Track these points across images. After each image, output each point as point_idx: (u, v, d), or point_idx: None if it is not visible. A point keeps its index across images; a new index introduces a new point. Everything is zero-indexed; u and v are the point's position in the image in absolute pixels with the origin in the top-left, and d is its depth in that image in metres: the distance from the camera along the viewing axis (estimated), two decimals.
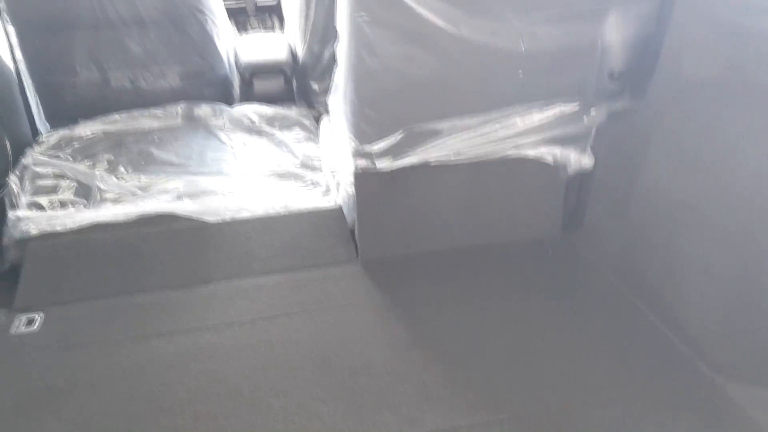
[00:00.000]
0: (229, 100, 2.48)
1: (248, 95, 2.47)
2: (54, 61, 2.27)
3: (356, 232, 1.64)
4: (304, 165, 2.06)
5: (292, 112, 2.38)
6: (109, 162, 2.05)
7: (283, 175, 2.00)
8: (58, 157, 2.09)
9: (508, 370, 1.30)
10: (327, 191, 1.92)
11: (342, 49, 1.43)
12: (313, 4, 2.34)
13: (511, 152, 1.56)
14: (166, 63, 2.34)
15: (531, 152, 1.58)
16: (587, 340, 1.38)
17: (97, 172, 1.96)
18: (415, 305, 1.50)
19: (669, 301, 1.40)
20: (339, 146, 1.71)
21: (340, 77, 1.47)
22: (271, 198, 1.86)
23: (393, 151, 1.51)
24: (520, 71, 1.39)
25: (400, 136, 1.49)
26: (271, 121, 2.32)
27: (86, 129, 2.24)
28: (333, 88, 1.62)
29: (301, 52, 2.48)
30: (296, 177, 1.99)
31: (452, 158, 1.53)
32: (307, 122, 2.33)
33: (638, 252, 1.52)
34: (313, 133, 2.28)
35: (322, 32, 2.39)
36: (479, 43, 1.36)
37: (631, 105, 1.51)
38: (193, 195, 1.87)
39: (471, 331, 1.42)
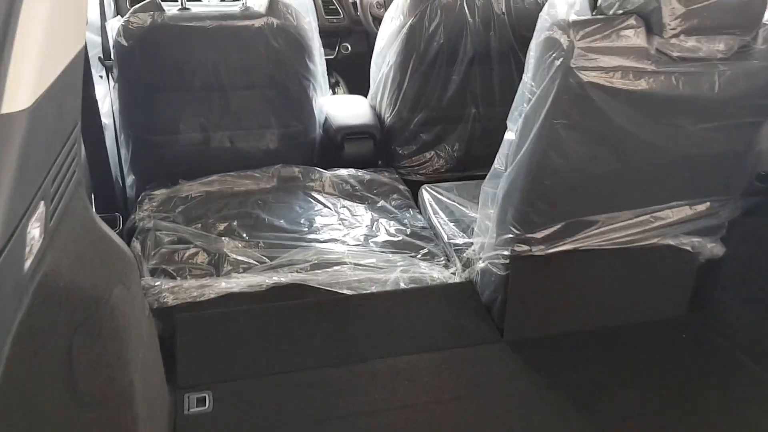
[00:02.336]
0: (315, 163, 2.52)
1: (337, 158, 2.52)
2: (157, 119, 2.29)
3: (504, 311, 1.69)
4: (415, 234, 2.11)
5: (384, 177, 2.44)
6: (226, 227, 2.07)
7: (399, 245, 2.05)
8: (168, 218, 2.10)
9: None
10: (447, 263, 1.97)
11: (520, 145, 1.50)
12: (407, 76, 2.42)
13: (655, 241, 1.65)
14: (266, 125, 2.38)
15: (672, 241, 1.67)
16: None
17: (224, 239, 1.97)
18: (569, 388, 1.55)
19: None
20: (479, 226, 1.77)
21: (511, 169, 1.54)
22: (396, 269, 1.91)
23: (551, 238, 1.58)
24: None
25: (561, 224, 1.56)
26: (369, 186, 2.37)
27: (188, 189, 2.25)
28: (491, 174, 1.69)
29: (388, 117, 2.55)
30: (412, 247, 2.04)
31: (605, 246, 1.61)
32: (401, 187, 2.39)
33: None
34: (409, 200, 2.33)
35: (412, 101, 2.47)
36: (656, 146, 1.45)
37: None
38: (321, 265, 1.90)
39: (631, 415, 1.48)
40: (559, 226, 1.56)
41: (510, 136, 1.56)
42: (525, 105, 1.48)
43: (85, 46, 1.03)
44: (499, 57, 2.46)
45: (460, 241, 1.94)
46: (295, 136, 2.44)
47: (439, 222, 2.09)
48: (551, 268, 1.63)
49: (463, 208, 2.13)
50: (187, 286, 1.79)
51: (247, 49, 2.21)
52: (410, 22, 2.36)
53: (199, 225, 2.08)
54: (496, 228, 1.64)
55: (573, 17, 1.34)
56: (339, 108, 2.60)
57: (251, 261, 1.92)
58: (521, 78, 2.54)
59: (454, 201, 2.19)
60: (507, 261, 1.63)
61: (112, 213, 1.61)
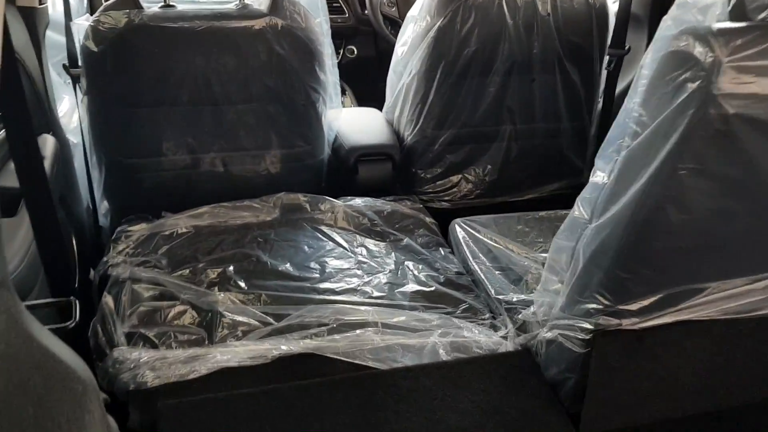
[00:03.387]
0: (323, 189, 2.14)
1: (349, 184, 2.14)
2: (134, 139, 1.90)
3: (579, 396, 1.32)
4: (450, 282, 1.74)
5: (407, 207, 2.06)
6: (220, 274, 1.68)
7: (432, 297, 1.67)
8: (148, 263, 1.71)
9: None
10: (494, 323, 1.59)
11: (617, 192, 1.13)
12: (434, 87, 2.04)
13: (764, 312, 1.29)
14: (266, 145, 1.99)
15: None
16: None
17: (218, 294, 1.58)
18: None
19: None
20: (545, 283, 1.40)
21: (602, 222, 1.17)
22: (433, 332, 1.53)
23: (649, 310, 1.22)
24: None
25: (664, 293, 1.20)
26: (389, 219, 1.99)
27: (173, 224, 1.86)
28: (568, 224, 1.31)
29: (409, 135, 2.17)
30: (448, 300, 1.66)
31: (713, 316, 1.24)
32: (428, 220, 2.01)
33: None
34: (438, 236, 1.96)
35: (439, 116, 2.10)
36: None
37: None
38: (340, 328, 1.52)
39: None
40: (660, 295, 1.19)
41: (599, 178, 1.19)
42: (628, 140, 1.11)
43: None
44: (542, 66, 2.10)
45: (512, 297, 1.57)
46: (301, 158, 2.06)
47: (480, 269, 1.71)
48: (645, 345, 1.26)
49: (509, 252, 1.76)
50: (173, 360, 1.41)
51: (244, 56, 1.83)
52: (438, 23, 1.99)
53: (187, 271, 1.69)
54: (572, 293, 1.27)
55: (717, 24, 0.97)
56: (350, 124, 2.22)
57: (252, 322, 1.53)
58: (567, 90, 2.21)
59: (495, 240, 1.82)
60: (588, 336, 1.26)
61: (67, 294, 1.16)
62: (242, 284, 1.65)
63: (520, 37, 2.04)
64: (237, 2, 1.87)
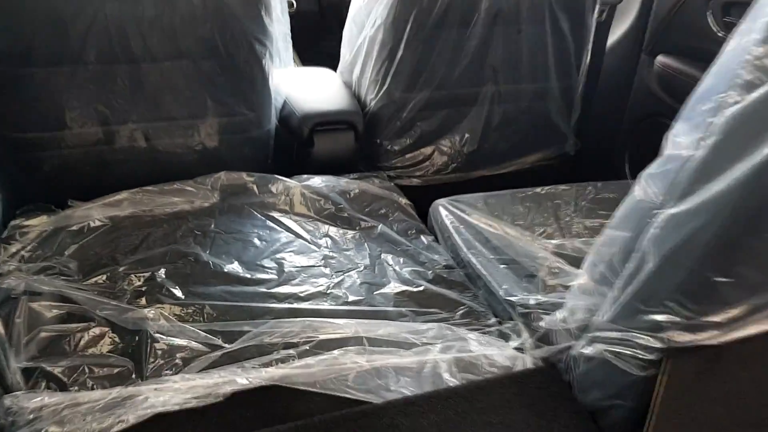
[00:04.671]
0: (271, 166, 1.76)
1: (302, 160, 1.77)
2: (27, 108, 1.47)
3: (635, 429, 1.02)
4: (439, 278, 1.41)
5: (375, 185, 1.71)
6: (147, 281, 1.29)
7: (421, 299, 1.34)
8: (52, 269, 1.31)
9: None
10: (500, 327, 1.28)
11: (713, 169, 0.81)
12: (403, 42, 1.69)
13: None
14: (200, 113, 1.60)
15: None
16: None
17: (149, 311, 1.20)
18: None
19: None
20: (584, 285, 1.08)
21: (690, 208, 0.85)
22: (432, 347, 1.20)
23: (736, 320, 0.92)
24: None
25: (758, 300, 0.90)
26: (357, 201, 1.64)
27: (83, 216, 1.46)
28: (627, 206, 0.99)
29: (373, 100, 1.81)
30: (442, 301, 1.34)
31: None
32: (403, 201, 1.67)
33: None
34: (416, 220, 1.62)
35: (409, 77, 1.75)
36: None
37: None
38: (312, 348, 1.17)
39: None
40: (755, 302, 0.89)
41: (681, 150, 0.87)
42: (735, 95, 0.79)
43: None
44: (531, 15, 1.77)
45: (528, 299, 1.25)
46: (244, 129, 1.68)
47: (478, 261, 1.39)
48: (724, 362, 0.97)
49: (510, 239, 1.44)
50: (88, 406, 1.03)
51: None
52: None
53: (104, 278, 1.30)
54: (632, 299, 0.96)
55: None
56: (301, 87, 1.84)
57: (194, 345, 1.16)
58: (557, 44, 1.89)
59: (489, 225, 1.50)
60: (652, 356, 0.95)
61: None
62: (178, 293, 1.28)
63: None
64: None
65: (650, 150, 1.93)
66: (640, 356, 0.96)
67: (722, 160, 0.80)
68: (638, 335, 0.96)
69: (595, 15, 1.90)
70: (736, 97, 0.78)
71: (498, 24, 1.75)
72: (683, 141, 0.86)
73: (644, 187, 0.93)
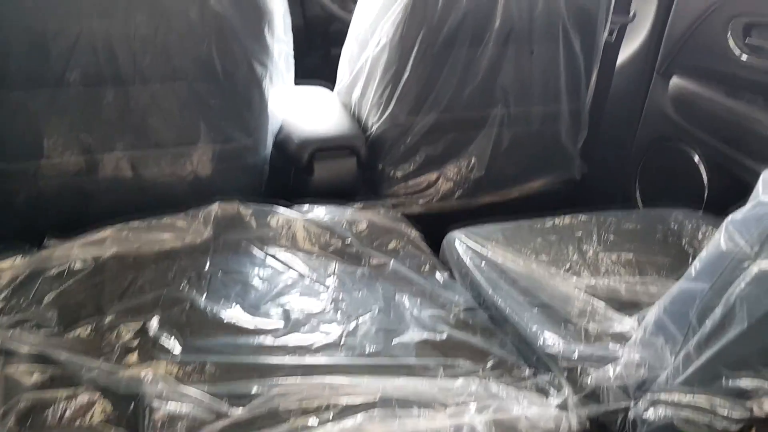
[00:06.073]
0: (262, 193, 1.63)
1: (301, 187, 1.64)
2: (2, 136, 1.31)
3: None
4: (462, 323, 1.29)
5: (381, 216, 1.58)
6: (139, 333, 1.14)
7: (446, 348, 1.21)
8: (28, 322, 1.15)
9: None
10: (536, 380, 1.16)
11: None
12: (410, 62, 1.58)
13: None
14: (192, 139, 1.46)
15: None
16: None
17: (143, 370, 1.05)
18: None
19: None
20: (645, 337, 0.97)
21: None
22: (466, 408, 1.07)
23: None
24: None
25: None
26: (365, 234, 1.51)
27: (63, 256, 1.30)
28: (706, 262, 0.88)
29: (375, 123, 1.69)
30: (468, 350, 1.21)
31: None
32: (412, 233, 1.55)
33: None
34: (428, 253, 1.50)
35: (416, 98, 1.64)
36: None
37: None
38: (334, 413, 1.03)
39: None
40: None
41: None
42: None
43: None
44: (544, 34, 1.68)
45: (571, 349, 1.13)
46: (240, 156, 1.55)
47: (508, 304, 1.27)
48: None
49: (538, 276, 1.32)
50: None
51: (166, 14, 1.27)
52: None
53: (88, 330, 1.15)
54: (712, 359, 0.85)
55: None
56: (299, 109, 1.71)
57: (198, 413, 1.01)
58: (569, 65, 1.79)
59: (512, 260, 1.38)
60: (734, 426, 0.84)
61: None
62: (174, 348, 1.13)
63: None
64: None
65: (662, 176, 1.87)
66: (719, 425, 0.85)
67: None
68: (718, 401, 0.85)
69: (605, 34, 1.82)
70: None
71: (510, 43, 1.65)
72: None
73: (731, 235, 0.82)
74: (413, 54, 1.59)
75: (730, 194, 1.65)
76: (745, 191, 1.59)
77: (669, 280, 1.34)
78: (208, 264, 1.36)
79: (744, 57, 1.59)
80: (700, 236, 1.51)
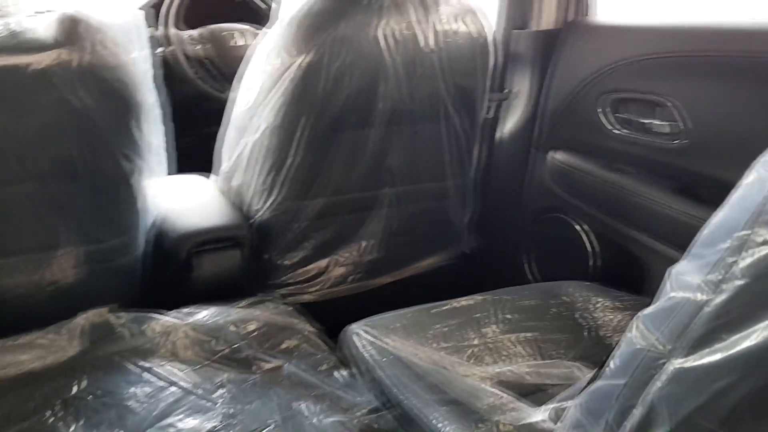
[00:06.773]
0: (137, 298, 1.48)
1: (181, 287, 1.51)
2: None
3: None
4: (366, 427, 1.20)
5: (271, 312, 1.48)
6: None
7: None
8: None
9: None
10: None
11: (751, 321, 0.69)
12: (294, 145, 1.52)
13: None
14: (51, 244, 1.30)
15: None
16: None
17: None
18: None
19: None
20: None
21: (698, 365, 0.72)
22: None
23: None
24: None
25: None
26: (255, 335, 1.39)
27: None
28: (622, 362, 0.84)
29: (260, 211, 1.61)
30: None
31: None
32: (306, 329, 1.45)
33: None
34: (324, 350, 1.40)
35: (302, 183, 1.58)
36: None
37: None
38: None
39: None
40: None
41: (691, 292, 0.74)
42: (752, 241, 0.68)
43: None
44: (427, 115, 1.67)
45: None
46: (107, 258, 1.40)
47: (413, 404, 1.20)
48: None
49: (441, 369, 1.26)
50: None
51: (17, 112, 1.13)
52: (300, 61, 1.46)
53: None
54: None
55: None
56: (173, 201, 1.59)
57: None
58: (452, 143, 1.80)
59: (412, 352, 1.32)
60: None
61: None
62: None
63: (400, 78, 1.59)
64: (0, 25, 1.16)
65: (550, 247, 1.90)
66: None
67: (752, 308, 0.68)
68: None
69: (483, 111, 1.84)
70: (766, 236, 0.67)
71: (393, 124, 1.62)
72: (693, 282, 0.74)
73: (643, 332, 0.80)
74: (296, 138, 1.52)
75: (615, 263, 1.70)
76: (629, 260, 1.65)
77: (569, 360, 1.33)
78: (75, 387, 1.19)
79: (615, 131, 1.66)
80: (591, 308, 1.52)
